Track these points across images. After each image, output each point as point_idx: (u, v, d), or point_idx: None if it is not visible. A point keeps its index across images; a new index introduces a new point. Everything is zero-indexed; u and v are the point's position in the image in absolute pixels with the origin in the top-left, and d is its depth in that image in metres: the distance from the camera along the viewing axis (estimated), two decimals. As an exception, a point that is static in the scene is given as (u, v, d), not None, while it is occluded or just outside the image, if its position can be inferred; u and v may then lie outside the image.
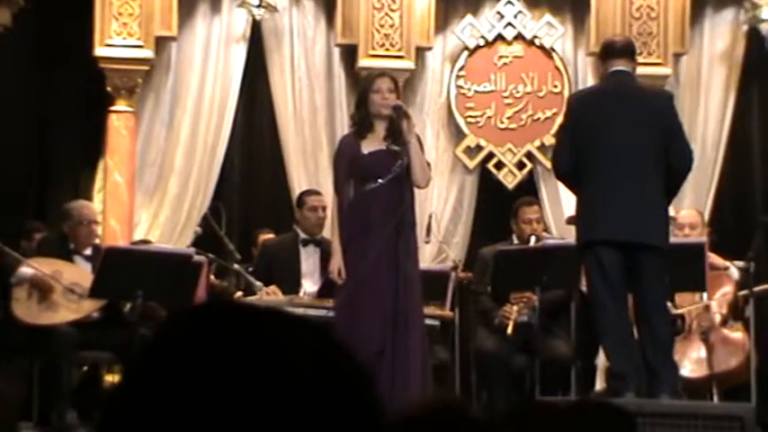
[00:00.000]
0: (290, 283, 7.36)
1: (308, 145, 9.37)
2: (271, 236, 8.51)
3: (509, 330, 7.30)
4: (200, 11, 9.37)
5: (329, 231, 7.39)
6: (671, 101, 6.31)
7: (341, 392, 1.22)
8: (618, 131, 5.97)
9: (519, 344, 7.37)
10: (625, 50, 6.24)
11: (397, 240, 5.96)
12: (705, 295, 7.54)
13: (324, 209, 7.60)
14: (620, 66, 6.15)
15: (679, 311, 7.54)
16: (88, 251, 7.32)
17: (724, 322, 7.61)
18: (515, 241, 7.80)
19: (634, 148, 5.94)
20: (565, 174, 6.21)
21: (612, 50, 6.23)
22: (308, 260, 7.54)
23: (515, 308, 7.42)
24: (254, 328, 1.23)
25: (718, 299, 7.61)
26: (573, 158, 6.04)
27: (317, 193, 7.93)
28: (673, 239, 6.47)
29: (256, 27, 9.35)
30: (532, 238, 7.61)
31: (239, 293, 7.63)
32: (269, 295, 7.19)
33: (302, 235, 7.61)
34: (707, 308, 7.60)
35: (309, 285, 7.37)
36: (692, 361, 7.48)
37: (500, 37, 9.60)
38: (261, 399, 1.18)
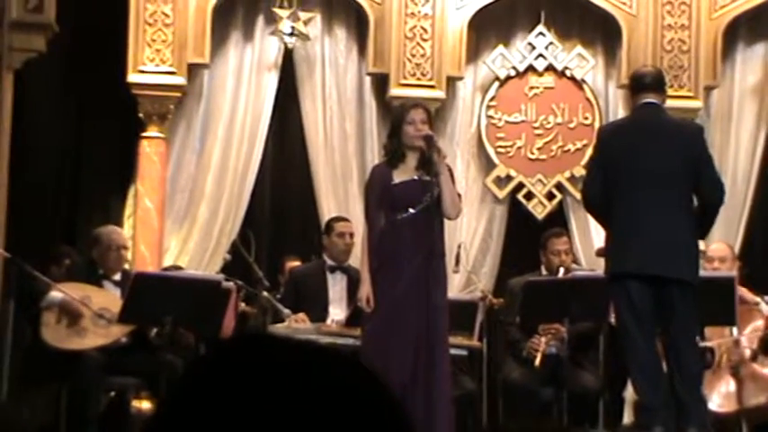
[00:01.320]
0: (318, 310, 7.36)
1: (338, 173, 9.39)
2: (298, 263, 8.52)
3: (537, 362, 7.28)
4: (232, 38, 9.42)
5: (356, 259, 7.41)
6: (701, 132, 6.29)
7: (375, 425, 1.22)
8: (647, 163, 5.96)
9: (547, 375, 7.34)
10: (655, 83, 6.23)
11: (427, 270, 5.97)
12: (735, 329, 7.50)
13: (351, 235, 7.62)
14: (649, 98, 6.14)
15: (709, 345, 7.50)
16: (117, 276, 7.34)
17: (754, 357, 7.55)
18: (544, 272, 7.79)
19: (664, 180, 5.93)
20: (594, 206, 6.20)
21: (642, 83, 6.23)
22: (335, 287, 7.55)
23: (543, 339, 7.40)
24: (289, 362, 1.23)
25: (749, 334, 7.57)
26: (602, 191, 6.03)
27: (345, 219, 7.96)
28: (703, 273, 6.44)
29: (288, 55, 9.39)
30: (561, 270, 7.60)
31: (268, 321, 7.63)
32: (297, 322, 7.19)
33: (329, 262, 7.63)
34: (737, 342, 7.55)
35: (337, 312, 7.37)
36: (721, 395, 7.43)
37: (531, 68, 9.61)
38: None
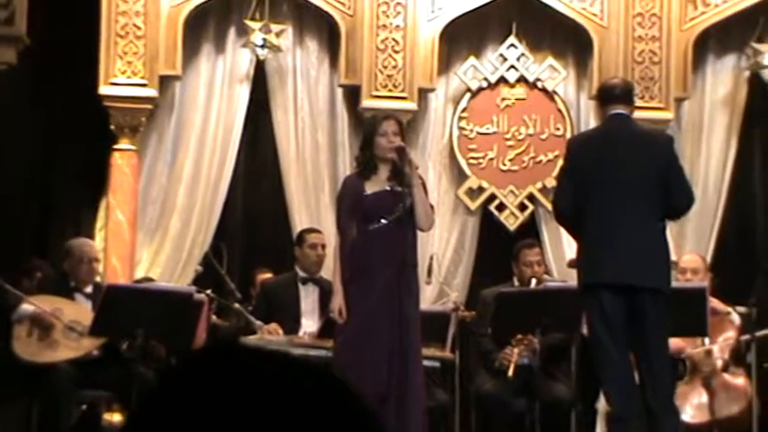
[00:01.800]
0: (290, 322, 7.36)
1: (309, 184, 9.38)
2: (269, 275, 8.51)
3: (510, 373, 7.29)
4: (204, 51, 9.41)
5: (328, 270, 7.40)
6: (670, 142, 6.33)
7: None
8: (618, 173, 5.98)
9: (519, 386, 7.35)
10: (624, 94, 6.26)
11: (399, 281, 5.98)
12: (707, 340, 7.53)
13: (323, 246, 7.63)
14: (618, 109, 6.17)
15: (681, 356, 7.52)
16: (89, 289, 7.32)
17: (726, 367, 7.59)
18: (516, 283, 7.81)
19: (634, 190, 5.95)
20: (565, 217, 6.21)
21: (611, 94, 6.26)
22: (308, 299, 7.55)
23: (516, 350, 7.41)
24: (261, 373, 1.23)
25: (720, 344, 7.60)
26: (573, 202, 6.05)
27: (317, 230, 7.97)
28: (675, 284, 6.47)
29: (260, 67, 9.39)
30: (533, 281, 7.62)
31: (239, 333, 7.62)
32: (270, 334, 7.18)
33: (301, 273, 7.63)
34: (709, 353, 7.59)
35: (309, 324, 7.37)
36: (693, 406, 7.46)
37: (503, 79, 9.63)
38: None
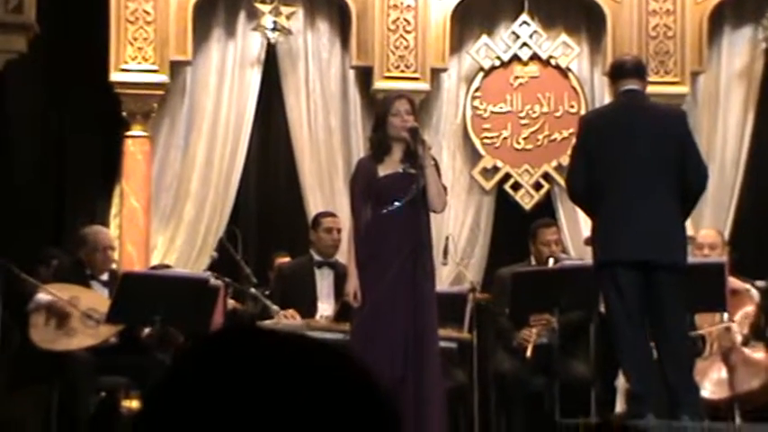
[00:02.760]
0: (306, 306, 7.39)
1: (323, 167, 9.40)
2: (287, 259, 8.54)
3: (528, 353, 7.30)
4: (214, 35, 9.42)
5: (343, 254, 7.43)
6: (684, 117, 6.33)
7: (364, 417, 1.24)
8: (630, 150, 5.99)
9: (538, 365, 7.37)
10: (635, 70, 6.26)
11: (414, 263, 5.99)
12: (726, 315, 7.53)
13: (339, 230, 7.65)
14: (630, 85, 6.17)
15: (699, 332, 7.53)
16: (105, 276, 7.37)
17: (745, 342, 7.59)
18: (533, 263, 7.82)
19: (648, 167, 5.95)
20: (579, 195, 6.22)
21: (623, 70, 6.26)
22: (323, 283, 7.58)
23: (534, 330, 7.42)
24: (277, 353, 1.25)
25: (739, 319, 7.60)
26: (587, 179, 6.06)
27: (332, 214, 7.98)
28: (692, 259, 6.48)
29: (271, 50, 9.40)
30: (550, 260, 7.63)
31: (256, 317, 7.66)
32: (287, 319, 7.22)
33: (317, 257, 7.65)
34: (728, 328, 7.59)
35: (325, 308, 7.40)
36: (712, 382, 7.47)
37: (516, 57, 9.63)
38: (285, 426, 1.20)
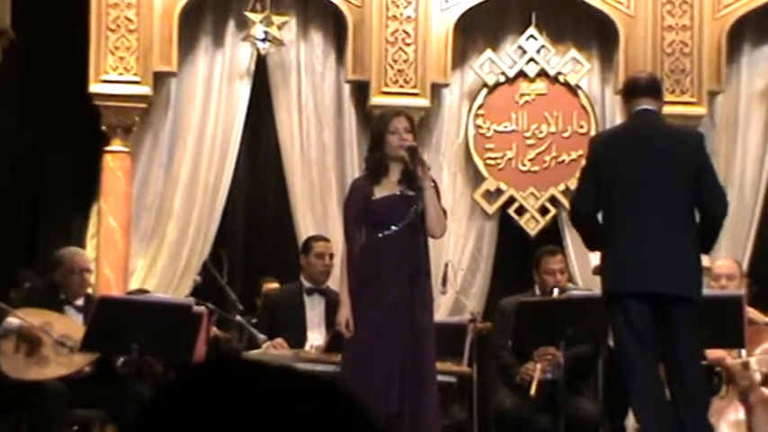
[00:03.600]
0: (296, 336, 7.38)
1: (315, 188, 9.41)
2: (275, 285, 8.53)
3: (532, 391, 7.27)
4: (201, 45, 9.44)
5: (335, 281, 7.42)
6: (701, 140, 6.32)
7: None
8: (644, 174, 5.98)
9: (543, 403, 7.35)
10: (650, 88, 6.26)
11: (412, 291, 5.98)
12: (744, 352, 7.52)
13: (331, 256, 7.63)
14: (645, 104, 6.17)
15: (710, 360, 7.51)
16: (80, 301, 7.34)
17: (765, 381, 7.58)
18: (537, 292, 7.80)
19: (661, 192, 5.95)
20: (583, 221, 6.20)
21: (636, 88, 6.26)
22: (313, 311, 7.57)
23: (538, 366, 7.39)
24: (263, 387, 1.24)
25: (759, 356, 7.59)
26: (595, 204, 6.05)
27: (325, 238, 7.96)
28: (708, 291, 6.47)
29: (261, 62, 9.42)
30: (555, 291, 7.61)
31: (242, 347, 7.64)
32: (275, 349, 7.20)
33: (307, 284, 7.64)
34: (746, 365, 7.58)
35: (316, 338, 7.39)
36: (729, 423, 7.45)
37: (522, 73, 9.65)
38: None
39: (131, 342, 6.75)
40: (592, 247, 6.22)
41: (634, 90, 6.26)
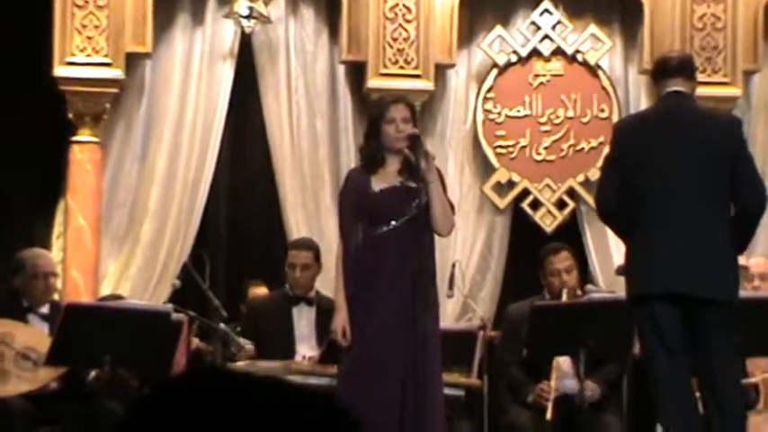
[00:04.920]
0: (284, 349, 7.39)
1: (307, 181, 9.40)
2: (263, 290, 8.54)
3: (548, 415, 7.24)
4: (179, 22, 9.43)
5: (325, 285, 7.43)
6: (738, 127, 6.33)
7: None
8: (672, 163, 5.98)
9: (561, 419, 7.35)
10: (682, 67, 6.26)
11: (414, 294, 5.99)
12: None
13: (304, 267, 7.65)
14: (675, 86, 6.17)
15: (752, 380, 7.53)
16: (45, 309, 7.35)
17: (806, 393, 7.59)
18: (547, 297, 7.77)
19: (693, 184, 5.95)
20: (610, 215, 6.21)
21: (666, 68, 6.26)
22: (301, 321, 7.59)
23: (553, 383, 7.35)
24: (250, 402, 1.25)
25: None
26: (620, 197, 6.06)
27: (302, 245, 7.93)
28: (743, 293, 6.47)
29: (246, 41, 9.41)
30: (564, 293, 7.58)
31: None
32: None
33: (291, 292, 7.66)
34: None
35: (305, 351, 7.39)
36: (768, 440, 7.47)
37: (536, 52, 9.65)
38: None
39: (103, 354, 6.75)
40: (626, 241, 6.21)
41: (664, 70, 6.26)
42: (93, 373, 7.14)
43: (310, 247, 7.89)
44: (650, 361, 6.06)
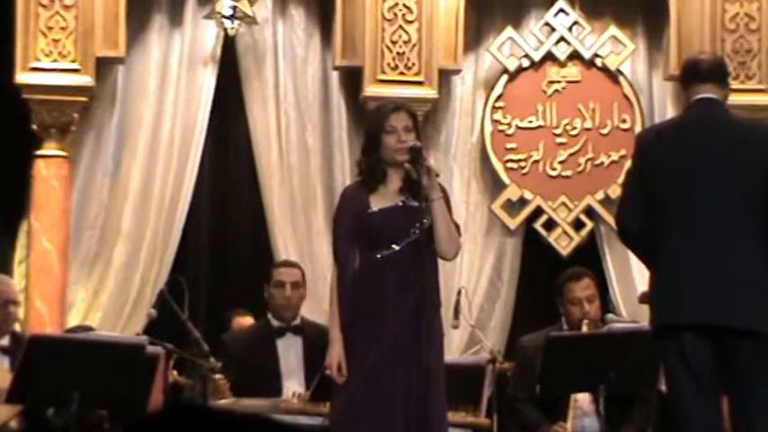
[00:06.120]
0: (270, 387, 7.37)
1: (297, 199, 9.41)
2: (249, 320, 8.53)
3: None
4: (155, 23, 9.45)
5: (314, 312, 7.43)
6: (773, 137, 6.33)
7: None
8: (702, 179, 5.98)
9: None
10: (713, 72, 6.26)
11: (417, 324, 5.98)
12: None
13: (295, 285, 7.64)
14: (706, 92, 6.17)
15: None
16: (5, 341, 7.35)
17: None
18: (564, 327, 7.78)
19: (725, 202, 5.95)
20: (633, 237, 6.20)
21: (696, 72, 6.26)
22: (288, 354, 7.58)
23: (570, 424, 7.35)
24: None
25: None
26: (644, 216, 6.05)
27: (290, 264, 7.94)
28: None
29: (229, 44, 9.43)
30: (584, 324, 7.59)
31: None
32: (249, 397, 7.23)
33: (274, 322, 7.66)
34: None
35: (294, 386, 7.39)
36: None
37: (550, 56, 9.67)
38: None
39: (71, 391, 6.74)
40: (650, 266, 6.21)
41: (693, 74, 6.25)
42: (53, 410, 7.13)
43: (298, 266, 7.91)
44: (678, 399, 6.05)
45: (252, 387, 7.35)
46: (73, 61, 9.03)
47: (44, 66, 9.01)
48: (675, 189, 6.00)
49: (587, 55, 9.68)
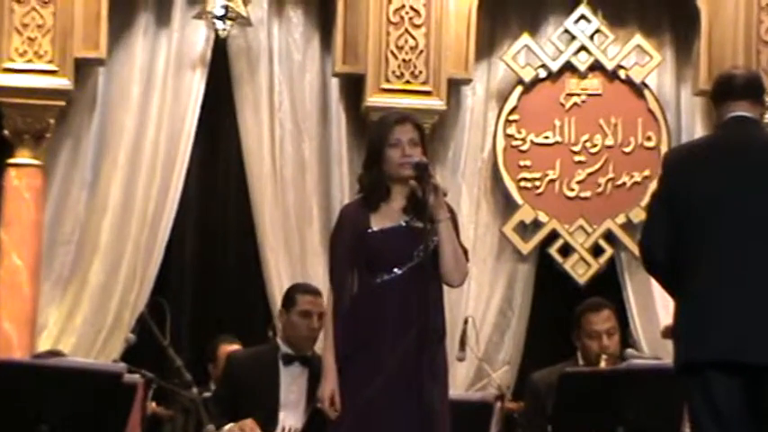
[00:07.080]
0: (264, 415, 7.37)
1: (291, 217, 9.41)
2: (236, 347, 8.53)
3: None
4: (140, 23, 9.46)
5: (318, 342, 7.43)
6: (815, 160, 6.33)
7: None
8: (735, 204, 5.98)
9: None
10: (748, 88, 6.26)
11: (419, 355, 5.98)
12: None
13: (320, 316, 7.57)
14: (740, 110, 6.17)
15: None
16: (-29, 366, 7.35)
17: None
18: (581, 362, 7.78)
19: (758, 228, 5.95)
20: (658, 265, 6.20)
21: (730, 88, 6.26)
22: (292, 385, 7.56)
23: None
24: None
25: None
26: (670, 243, 6.06)
27: (314, 291, 7.89)
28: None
29: (220, 47, 9.44)
30: (603, 359, 7.59)
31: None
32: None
33: (285, 349, 7.63)
34: None
35: (291, 420, 7.38)
36: None
37: (569, 66, 9.68)
38: None
39: (39, 422, 6.74)
40: (675, 296, 6.20)
41: (726, 91, 6.25)
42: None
43: (321, 294, 7.84)
44: (702, 441, 6.06)
45: (247, 413, 7.34)
46: (50, 62, 9.04)
47: (18, 66, 9.02)
48: (705, 214, 6.00)
49: (610, 66, 9.69)
